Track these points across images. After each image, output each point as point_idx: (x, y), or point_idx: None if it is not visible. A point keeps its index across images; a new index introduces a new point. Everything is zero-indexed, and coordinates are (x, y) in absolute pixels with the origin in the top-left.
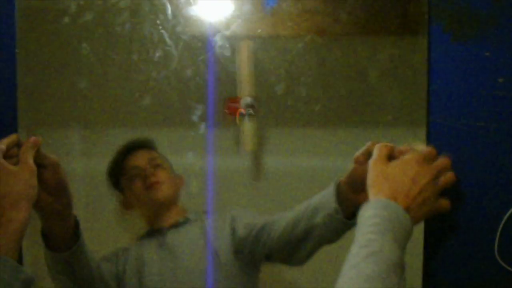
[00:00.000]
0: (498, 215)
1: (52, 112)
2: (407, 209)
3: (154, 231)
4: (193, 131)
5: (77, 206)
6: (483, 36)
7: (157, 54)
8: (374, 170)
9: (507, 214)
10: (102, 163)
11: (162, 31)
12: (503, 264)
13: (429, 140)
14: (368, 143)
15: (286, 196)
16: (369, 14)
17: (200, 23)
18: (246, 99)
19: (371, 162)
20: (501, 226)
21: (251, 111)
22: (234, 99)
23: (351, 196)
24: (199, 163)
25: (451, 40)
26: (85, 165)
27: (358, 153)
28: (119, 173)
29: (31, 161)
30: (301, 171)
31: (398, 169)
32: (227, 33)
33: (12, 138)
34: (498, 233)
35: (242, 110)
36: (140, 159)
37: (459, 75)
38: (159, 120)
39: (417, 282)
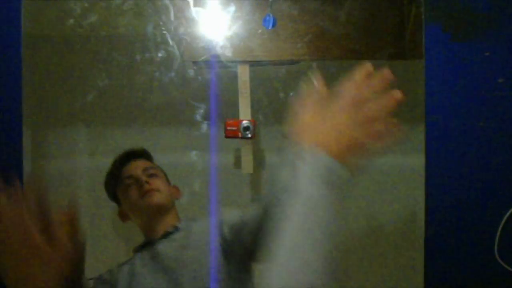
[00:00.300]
0: (498, 215)
1: (56, 111)
2: (339, 156)
3: (146, 244)
4: (197, 130)
5: (81, 202)
6: (483, 36)
7: (159, 55)
8: (297, 119)
9: (507, 214)
10: (105, 161)
11: (165, 32)
12: (503, 264)
13: (428, 141)
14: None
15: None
16: (366, 39)
17: (201, 25)
18: (244, 123)
19: (297, 109)
20: (501, 226)
21: (248, 134)
22: (233, 121)
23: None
24: (200, 175)
25: (451, 40)
26: (89, 163)
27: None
28: (115, 183)
29: (68, 243)
30: None
31: (320, 119)
32: (227, 57)
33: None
34: (498, 233)
35: (240, 134)
36: (135, 169)
37: (459, 75)
38: (162, 119)
39: (418, 282)
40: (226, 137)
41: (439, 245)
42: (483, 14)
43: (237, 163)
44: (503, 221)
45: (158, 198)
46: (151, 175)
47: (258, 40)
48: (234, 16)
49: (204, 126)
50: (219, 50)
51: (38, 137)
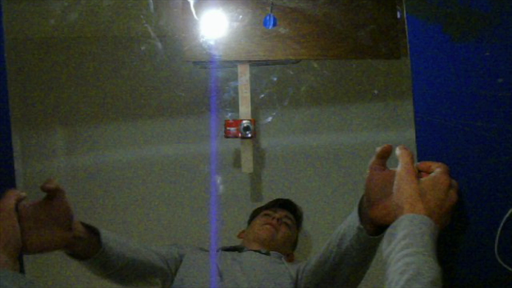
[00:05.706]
0: (498, 215)
1: (41, 112)
2: (438, 222)
3: (234, 248)
4: (196, 129)
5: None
6: (483, 36)
7: (142, 48)
8: (407, 187)
9: (507, 214)
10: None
11: (146, 25)
12: (503, 264)
13: (419, 141)
14: (378, 148)
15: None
16: (361, 40)
17: (202, 25)
18: (244, 123)
19: (401, 177)
20: (501, 226)
21: (248, 134)
22: (233, 121)
23: (366, 210)
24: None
25: (451, 40)
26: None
27: (373, 159)
28: (258, 212)
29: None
30: (301, 191)
31: (431, 185)
32: (227, 57)
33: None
34: (498, 233)
35: (240, 134)
36: (278, 213)
37: (459, 75)
38: (161, 119)
39: None
40: (226, 137)
41: (438, 245)
42: (483, 14)
43: (237, 163)
44: (503, 221)
45: (270, 236)
46: (285, 223)
47: (258, 40)
48: (234, 16)
49: (204, 126)
50: (219, 50)
51: (24, 138)
